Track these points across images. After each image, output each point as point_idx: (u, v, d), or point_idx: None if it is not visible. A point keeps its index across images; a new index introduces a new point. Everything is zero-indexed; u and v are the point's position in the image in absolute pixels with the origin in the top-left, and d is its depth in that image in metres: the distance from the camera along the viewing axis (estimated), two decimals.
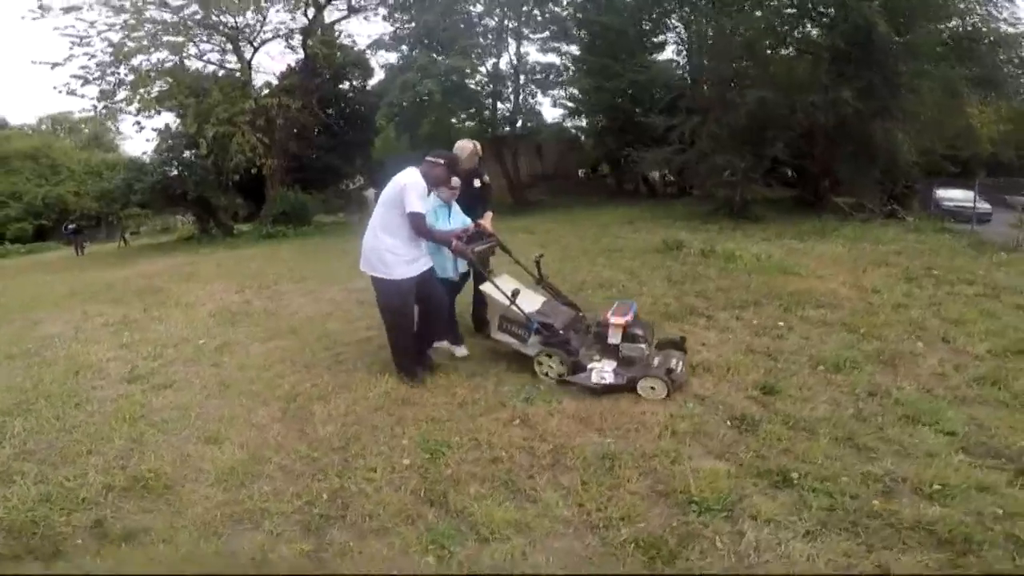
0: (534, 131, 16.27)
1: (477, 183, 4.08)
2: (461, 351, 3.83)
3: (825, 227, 9.25)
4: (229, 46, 13.53)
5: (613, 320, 3.15)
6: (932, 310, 4.59)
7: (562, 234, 9.86)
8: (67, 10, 11.77)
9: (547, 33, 14.17)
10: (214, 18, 12.80)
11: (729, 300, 4.97)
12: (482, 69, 14.44)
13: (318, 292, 6.66)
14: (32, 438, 3.06)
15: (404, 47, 13.75)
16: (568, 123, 18.70)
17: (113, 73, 12.19)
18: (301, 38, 14.41)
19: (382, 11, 14.18)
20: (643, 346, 3.10)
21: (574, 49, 14.84)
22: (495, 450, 2.50)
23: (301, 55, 14.79)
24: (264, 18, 13.52)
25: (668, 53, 14.85)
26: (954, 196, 12.39)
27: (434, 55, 12.88)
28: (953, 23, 8.67)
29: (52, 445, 2.95)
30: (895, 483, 2.09)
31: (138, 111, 12.66)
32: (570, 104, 16.71)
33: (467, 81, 14.69)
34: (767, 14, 9.45)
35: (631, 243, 8.27)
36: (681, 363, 3.01)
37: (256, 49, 14.08)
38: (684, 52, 13.62)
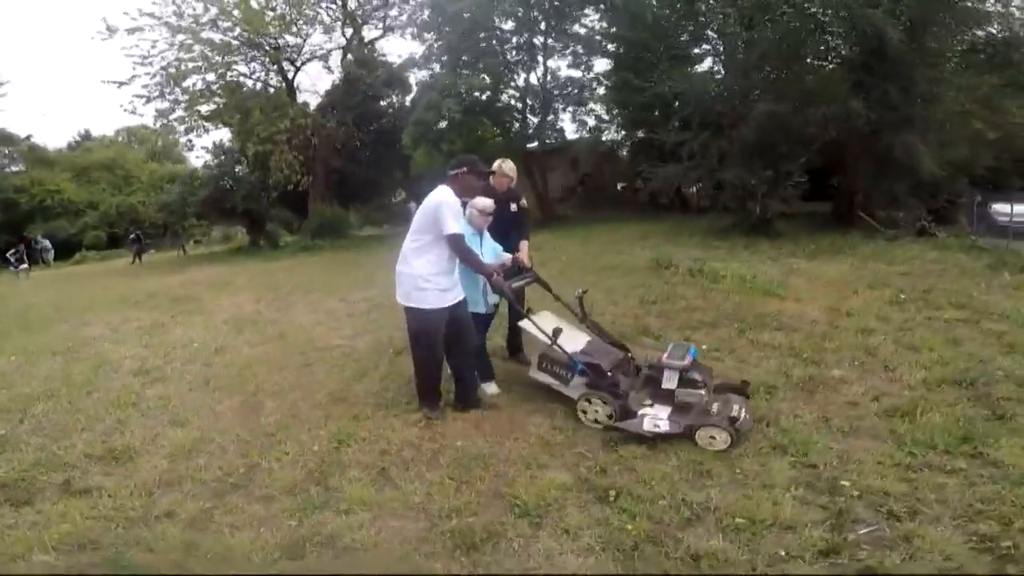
0: (562, 145, 16.63)
1: (514, 207, 3.90)
2: (492, 389, 3.62)
3: (844, 245, 9.09)
4: (273, 66, 14.99)
5: (669, 363, 3.02)
6: (896, 336, 4.63)
7: (569, 250, 10.23)
8: (131, 31, 13.56)
9: (576, 48, 14.61)
10: (258, 39, 14.19)
11: (688, 321, 5.21)
12: (514, 84, 15.12)
13: (319, 303, 7.43)
14: (47, 417, 3.87)
15: (436, 65, 14.68)
16: (605, 136, 19.00)
17: (170, 93, 13.88)
18: (340, 57, 15.75)
19: (411, 31, 15.24)
20: (702, 391, 2.94)
21: (604, 63, 15.31)
22: (389, 444, 2.99)
23: (340, 74, 16.12)
24: (303, 40, 14.97)
25: (707, 65, 14.90)
26: (1011, 211, 11.68)
27: (462, 73, 13.66)
28: (984, 31, 8.35)
29: (59, 423, 3.74)
30: (704, 512, 2.21)
31: (187, 130, 14.35)
32: (605, 118, 17.06)
33: (500, 96, 15.41)
34: (799, 22, 9.45)
35: (627, 261, 8.54)
36: (744, 410, 2.85)
37: (297, 69, 15.54)
38: (719, 65, 13.63)
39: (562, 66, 15.68)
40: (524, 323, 3.30)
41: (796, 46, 9.14)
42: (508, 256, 3.63)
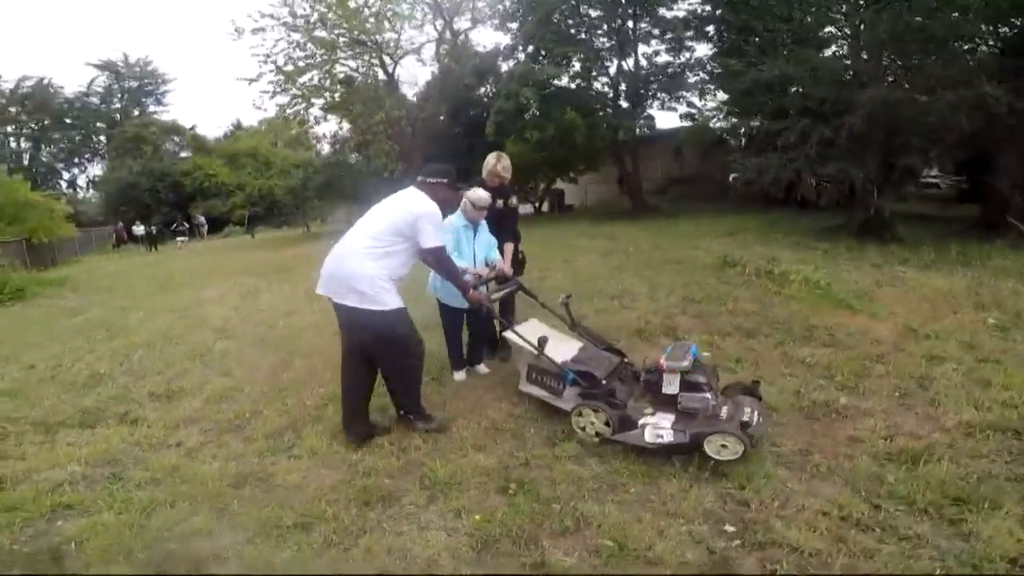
0: (660, 134, 15.96)
1: (500, 203, 3.85)
2: (459, 375, 3.77)
3: (976, 256, 7.78)
4: (375, 61, 16.37)
5: (668, 365, 2.83)
6: (970, 368, 4.01)
7: (641, 242, 10.01)
8: (255, 31, 15.58)
9: (670, 33, 13.95)
10: (360, 36, 15.57)
11: (722, 325, 4.97)
12: (605, 72, 14.88)
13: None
14: (139, 362, 4.88)
15: (521, 55, 14.91)
16: (714, 124, 17.96)
17: (288, 89, 15.82)
18: (434, 50, 16.73)
19: (494, 22, 15.65)
20: (707, 395, 2.76)
21: (704, 48, 14.41)
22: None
23: (435, 66, 17.14)
24: (399, 35, 16.14)
25: (832, 48, 13.41)
26: None
27: (541, 61, 13.77)
28: None
29: (145, 367, 4.70)
30: (584, 526, 2.20)
31: (300, 123, 16.24)
32: (709, 106, 16.14)
33: (591, 85, 15.26)
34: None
35: (695, 257, 8.17)
36: (757, 412, 2.67)
37: (396, 63, 16.79)
38: (847, 49, 12.21)
39: (658, 51, 15.02)
40: (508, 334, 3.19)
41: (931, 26, 7.93)
42: (485, 266, 3.58)
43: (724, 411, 2.68)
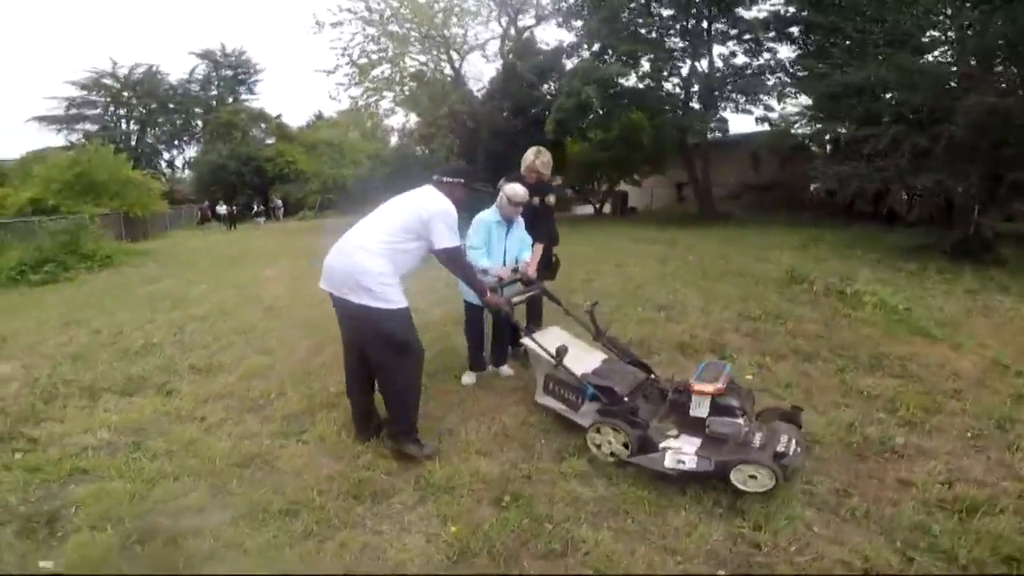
0: (735, 139, 15.10)
1: (536, 201, 3.67)
2: (468, 378, 3.67)
3: None
4: (443, 56, 16.66)
5: (698, 387, 2.61)
6: None
7: (703, 250, 9.52)
8: (334, 25, 16.22)
9: (748, 34, 13.17)
10: (430, 31, 15.89)
11: (777, 346, 4.57)
12: (676, 72, 14.31)
13: (439, 273, 8.23)
14: (190, 335, 5.14)
15: (586, 53, 14.60)
16: (800, 129, 16.86)
17: (360, 82, 16.42)
18: (499, 47, 16.80)
19: (558, 19, 15.43)
20: (739, 420, 2.54)
21: (787, 50, 13.47)
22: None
23: (498, 63, 17.20)
24: (465, 31, 16.31)
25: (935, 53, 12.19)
26: None
27: (605, 60, 13.37)
28: None
29: (194, 340, 4.96)
30: (561, 557, 2.08)
31: (370, 116, 16.78)
32: (790, 110, 15.17)
33: (662, 85, 14.71)
34: None
35: (760, 269, 7.63)
36: (794, 441, 2.43)
37: (462, 58, 16.98)
38: (951, 55, 11.06)
39: (734, 52, 14.23)
40: (526, 340, 3.04)
41: None
42: (503, 268, 3.40)
43: (757, 438, 2.44)
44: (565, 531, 2.14)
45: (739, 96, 14.31)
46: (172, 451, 2.76)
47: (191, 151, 41.75)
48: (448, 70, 16.80)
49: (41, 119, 35.77)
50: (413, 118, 19.42)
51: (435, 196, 2.77)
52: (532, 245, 3.65)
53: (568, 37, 16.04)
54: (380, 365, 2.73)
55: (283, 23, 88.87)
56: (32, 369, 4.17)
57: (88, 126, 36.72)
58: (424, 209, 2.69)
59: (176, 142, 42.29)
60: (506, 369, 3.81)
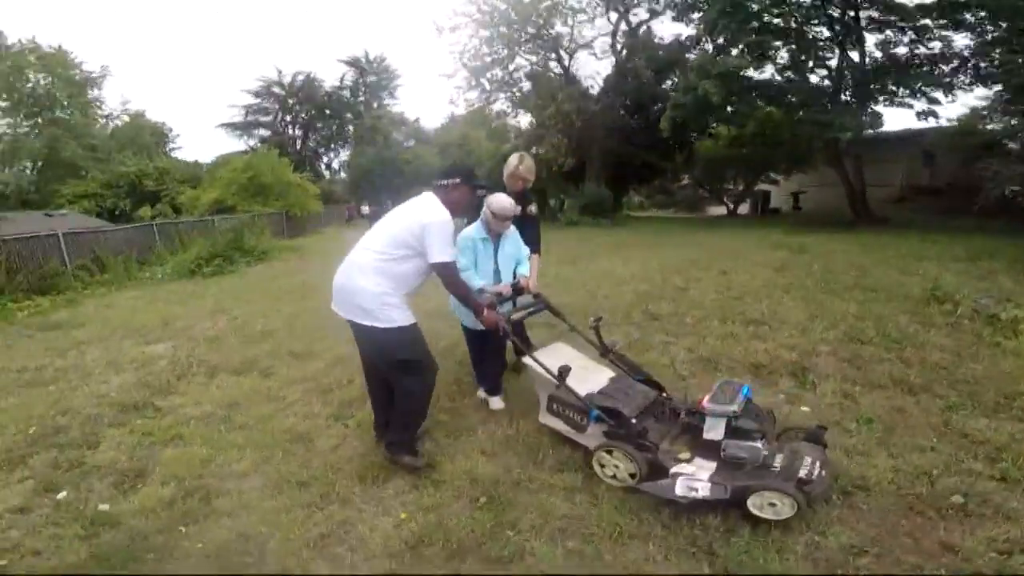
0: (900, 135, 13.05)
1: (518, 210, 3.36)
2: (496, 403, 3.47)
3: None
4: (552, 55, 16.82)
5: (711, 408, 2.50)
6: None
7: (838, 258, 8.57)
8: (452, 29, 17.21)
9: (913, 22, 11.25)
10: (538, 31, 16.13)
11: (879, 375, 3.98)
12: (823, 64, 12.78)
13: None
14: (303, 324, 5.96)
15: (709, 46, 13.61)
16: (990, 125, 14.23)
17: (476, 85, 17.25)
18: (609, 44, 16.52)
19: (672, 14, 14.55)
20: (758, 444, 2.39)
21: (962, 38, 11.24)
22: None
23: (610, 60, 16.91)
24: (572, 29, 16.28)
25: None
26: None
27: (726, 52, 12.33)
28: None
29: (303, 328, 5.77)
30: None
31: (494, 117, 17.47)
32: (972, 103, 12.85)
33: (807, 77, 13.32)
34: None
35: (898, 285, 6.66)
36: (819, 465, 2.29)
37: (570, 56, 16.98)
38: None
39: (892, 41, 12.31)
40: (527, 359, 2.91)
41: None
42: (504, 285, 3.23)
43: (779, 461, 2.32)
44: (523, 541, 2.23)
45: (900, 89, 12.41)
46: (249, 425, 3.37)
47: (344, 154, 46.88)
48: (558, 69, 16.99)
49: (225, 125, 42.35)
50: (530, 118, 19.99)
51: (430, 206, 2.66)
52: (529, 256, 3.44)
53: (687, 31, 15.21)
54: (392, 381, 2.77)
55: (416, 26, 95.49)
56: (179, 349, 5.23)
57: (263, 132, 42.63)
58: (417, 222, 2.61)
59: (332, 146, 47.79)
60: (497, 402, 3.49)
